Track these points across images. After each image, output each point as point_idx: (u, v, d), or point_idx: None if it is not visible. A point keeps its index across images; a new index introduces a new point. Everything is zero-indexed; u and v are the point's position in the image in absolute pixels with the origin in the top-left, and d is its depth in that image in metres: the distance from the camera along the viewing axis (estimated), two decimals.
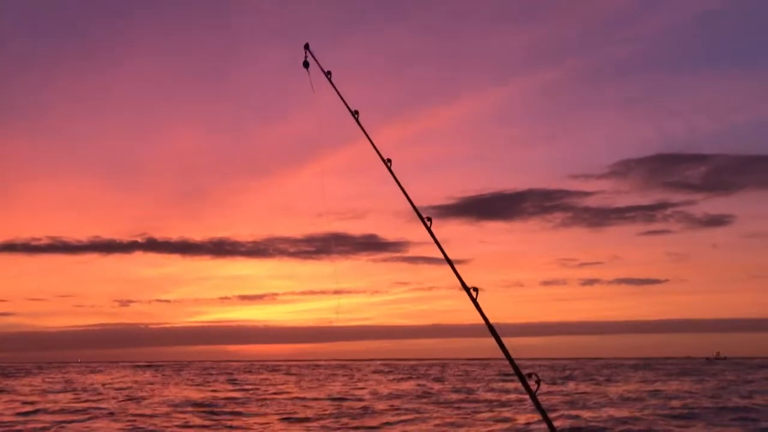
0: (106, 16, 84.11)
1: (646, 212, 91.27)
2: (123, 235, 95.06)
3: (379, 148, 4.16)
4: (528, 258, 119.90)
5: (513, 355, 4.09)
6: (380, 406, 18.00)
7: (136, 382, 32.76)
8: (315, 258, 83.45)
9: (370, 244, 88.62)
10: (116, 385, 29.62)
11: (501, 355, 4.05)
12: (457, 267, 3.88)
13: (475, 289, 4.36)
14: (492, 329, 4.56)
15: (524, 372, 4.33)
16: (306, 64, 5.07)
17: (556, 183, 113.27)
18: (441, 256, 3.85)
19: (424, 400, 19.72)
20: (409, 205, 4.05)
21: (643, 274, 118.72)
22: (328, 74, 4.79)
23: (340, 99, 4.58)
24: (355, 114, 4.58)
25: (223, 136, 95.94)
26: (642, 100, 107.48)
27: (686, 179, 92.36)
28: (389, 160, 4.36)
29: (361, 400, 20.20)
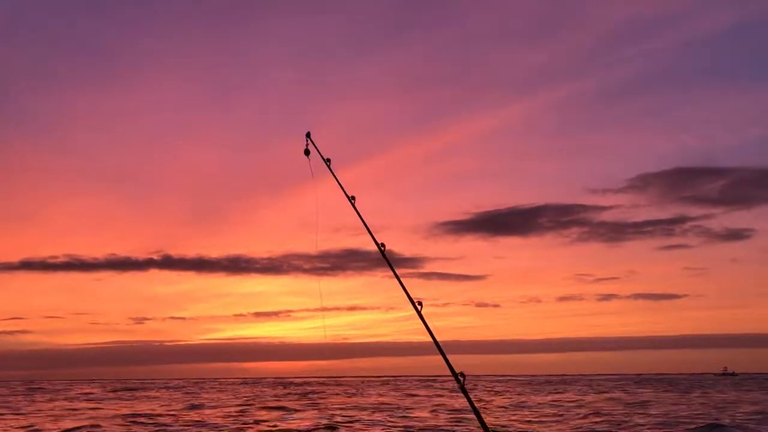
0: (125, 37, 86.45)
1: (664, 227, 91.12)
2: (139, 253, 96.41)
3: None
4: (545, 273, 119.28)
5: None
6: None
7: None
8: (330, 274, 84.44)
9: (385, 260, 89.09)
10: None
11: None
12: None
13: (420, 303, 5.22)
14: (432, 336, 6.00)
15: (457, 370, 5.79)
16: (307, 152, 5.81)
17: (572, 197, 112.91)
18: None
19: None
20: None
21: (661, 289, 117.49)
22: (327, 161, 5.82)
23: (339, 186, 5.62)
24: (351, 199, 5.62)
25: (238, 154, 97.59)
26: (658, 114, 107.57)
27: (704, 193, 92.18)
28: (353, 197, 5.43)
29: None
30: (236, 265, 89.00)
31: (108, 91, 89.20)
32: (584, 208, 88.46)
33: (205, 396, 33.73)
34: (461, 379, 5.05)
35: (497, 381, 70.98)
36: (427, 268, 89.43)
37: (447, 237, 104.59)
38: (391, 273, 5.19)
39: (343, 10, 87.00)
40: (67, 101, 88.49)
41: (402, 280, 5.09)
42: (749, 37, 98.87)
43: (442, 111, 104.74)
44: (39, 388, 52.68)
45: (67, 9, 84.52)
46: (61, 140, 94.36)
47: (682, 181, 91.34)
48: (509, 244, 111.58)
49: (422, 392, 37.10)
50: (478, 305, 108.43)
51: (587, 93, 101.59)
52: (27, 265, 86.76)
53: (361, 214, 5.76)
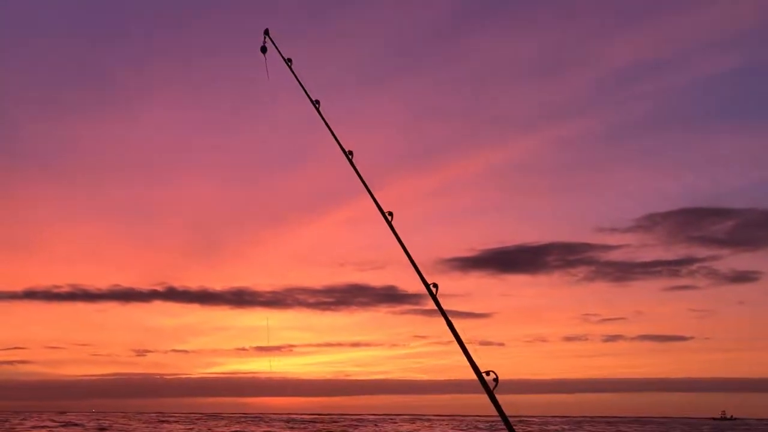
0: (126, 66, 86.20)
1: (671, 267, 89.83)
2: (143, 284, 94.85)
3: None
4: (551, 312, 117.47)
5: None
6: None
7: None
8: (334, 309, 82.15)
9: (389, 296, 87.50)
10: None
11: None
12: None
13: (435, 285, 4.32)
14: (447, 320, 4.41)
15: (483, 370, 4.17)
16: (264, 50, 4.76)
17: (579, 236, 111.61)
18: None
19: None
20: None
21: (668, 331, 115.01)
22: (288, 61, 4.52)
23: (301, 88, 4.41)
24: (316, 103, 4.45)
25: (242, 186, 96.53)
26: (666, 153, 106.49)
27: (712, 234, 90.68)
28: (317, 102, 4.38)
29: None
30: (240, 298, 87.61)
31: (109, 120, 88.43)
32: (591, 247, 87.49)
33: None
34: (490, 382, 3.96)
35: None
36: (431, 305, 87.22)
37: (452, 273, 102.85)
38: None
39: (350, 43, 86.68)
40: (68, 129, 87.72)
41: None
42: (758, 79, 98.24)
43: (447, 145, 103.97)
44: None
45: (69, 36, 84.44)
46: (62, 169, 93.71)
47: (689, 221, 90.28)
48: (516, 282, 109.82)
49: None
50: (483, 343, 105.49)
51: (594, 131, 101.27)
52: (30, 295, 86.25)
53: (326, 119, 4.63)
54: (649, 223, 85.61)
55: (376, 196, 4.16)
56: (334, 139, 4.21)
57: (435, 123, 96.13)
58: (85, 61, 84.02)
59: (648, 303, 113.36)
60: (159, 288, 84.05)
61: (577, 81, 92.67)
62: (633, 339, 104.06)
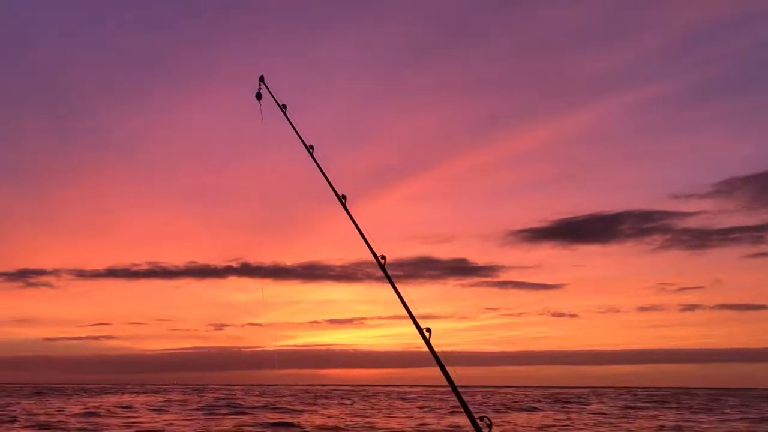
0: (196, 52, 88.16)
1: (753, 233, 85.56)
2: (218, 260, 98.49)
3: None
4: (624, 282, 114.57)
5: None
6: None
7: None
8: (402, 282, 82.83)
9: (458, 269, 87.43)
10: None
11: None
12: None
13: (428, 330, 4.51)
14: (438, 361, 4.45)
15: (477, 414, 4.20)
16: (259, 96, 5.04)
17: (654, 203, 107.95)
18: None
19: None
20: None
21: (748, 300, 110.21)
22: (283, 107, 4.75)
23: (294, 132, 4.49)
24: (310, 149, 4.54)
25: (307, 162, 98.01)
26: (744, 117, 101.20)
27: None
28: (312, 147, 4.67)
29: None
30: (311, 273, 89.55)
31: (181, 105, 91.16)
32: (667, 214, 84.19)
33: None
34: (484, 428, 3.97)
35: (577, 392, 67.73)
36: (502, 276, 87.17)
37: (523, 245, 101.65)
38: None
39: (404, 18, 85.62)
40: (143, 116, 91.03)
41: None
42: None
43: (513, 116, 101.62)
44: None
45: (141, 26, 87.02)
46: (139, 154, 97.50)
47: None
48: (588, 252, 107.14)
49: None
50: (555, 315, 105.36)
51: (668, 95, 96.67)
52: (112, 273, 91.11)
53: (320, 164, 5.15)
54: (728, 188, 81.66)
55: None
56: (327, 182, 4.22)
57: (500, 95, 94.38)
58: (154, 49, 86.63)
59: (727, 271, 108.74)
60: (234, 264, 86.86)
61: (647, 44, 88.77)
62: (711, 308, 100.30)
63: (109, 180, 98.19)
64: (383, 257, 4.44)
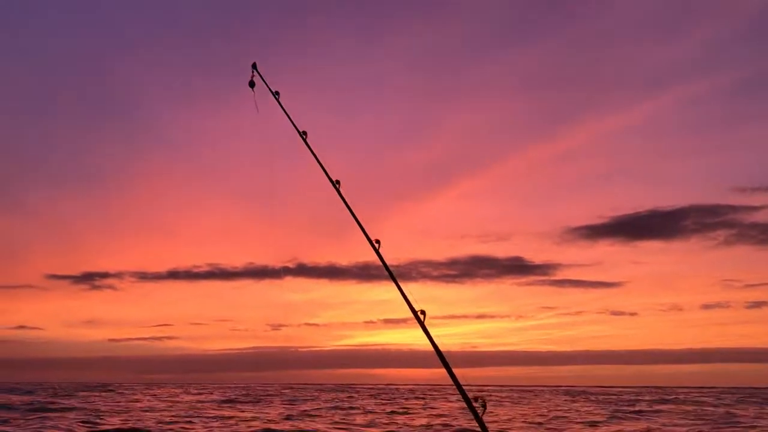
0: (249, 54, 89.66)
1: None
2: (274, 261, 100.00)
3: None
4: (687, 279, 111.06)
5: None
6: None
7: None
8: (458, 282, 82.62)
9: (515, 267, 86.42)
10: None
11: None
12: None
13: (423, 312, 4.60)
14: (438, 352, 4.44)
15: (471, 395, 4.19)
16: (252, 84, 5.01)
17: (718, 198, 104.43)
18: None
19: None
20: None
21: None
22: (276, 94, 4.72)
23: (288, 119, 4.52)
24: (303, 135, 4.57)
25: (363, 163, 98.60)
26: None
27: None
28: (305, 132, 4.58)
29: None
30: (366, 273, 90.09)
31: (236, 106, 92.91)
32: (732, 208, 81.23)
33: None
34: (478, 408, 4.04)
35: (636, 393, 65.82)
36: (559, 275, 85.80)
37: (580, 242, 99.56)
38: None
39: (459, 16, 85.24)
40: (202, 118, 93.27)
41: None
42: None
43: (569, 111, 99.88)
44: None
45: (202, 31, 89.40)
46: (198, 156, 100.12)
47: None
48: (649, 249, 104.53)
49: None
50: (614, 313, 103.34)
51: (730, 85, 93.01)
52: (173, 275, 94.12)
53: (313, 150, 4.98)
54: None
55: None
56: (321, 169, 4.25)
57: (554, 90, 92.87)
58: (218, 54, 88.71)
59: None
60: (290, 264, 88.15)
61: (706, 34, 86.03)
62: None
63: (169, 183, 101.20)
64: (377, 241, 4.39)
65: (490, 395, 44.82)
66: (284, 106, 4.62)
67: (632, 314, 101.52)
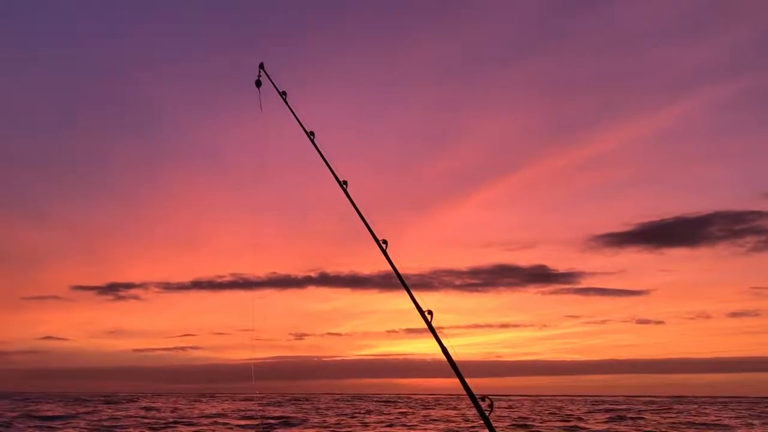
0: (278, 63, 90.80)
1: None
2: (297, 271, 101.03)
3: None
4: (715, 287, 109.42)
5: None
6: None
7: None
8: (480, 291, 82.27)
9: (538, 276, 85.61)
10: None
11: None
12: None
13: (430, 312, 4.78)
14: (444, 349, 4.42)
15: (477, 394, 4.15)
16: (258, 84, 5.01)
17: (746, 203, 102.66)
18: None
19: None
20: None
21: None
22: (283, 94, 4.70)
23: (294, 118, 4.53)
24: (311, 135, 4.57)
25: (385, 173, 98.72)
26: None
27: None
28: (312, 133, 4.55)
29: None
30: (388, 282, 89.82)
31: (259, 118, 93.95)
32: (760, 214, 79.96)
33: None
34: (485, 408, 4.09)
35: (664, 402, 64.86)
36: (584, 283, 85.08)
37: (605, 250, 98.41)
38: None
39: (485, 20, 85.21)
40: (225, 130, 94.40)
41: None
42: None
43: (593, 117, 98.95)
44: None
45: (226, 42, 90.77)
46: (221, 168, 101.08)
47: None
48: (675, 256, 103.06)
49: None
50: (640, 322, 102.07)
51: (757, 89, 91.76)
52: (197, 285, 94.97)
53: (320, 149, 4.88)
54: None
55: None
56: (329, 169, 4.24)
57: (580, 95, 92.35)
58: (239, 60, 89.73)
59: None
60: (312, 274, 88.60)
61: (733, 37, 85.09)
62: None
63: (192, 194, 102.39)
64: (384, 241, 4.49)
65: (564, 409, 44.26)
66: (292, 107, 4.59)
67: (658, 323, 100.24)
